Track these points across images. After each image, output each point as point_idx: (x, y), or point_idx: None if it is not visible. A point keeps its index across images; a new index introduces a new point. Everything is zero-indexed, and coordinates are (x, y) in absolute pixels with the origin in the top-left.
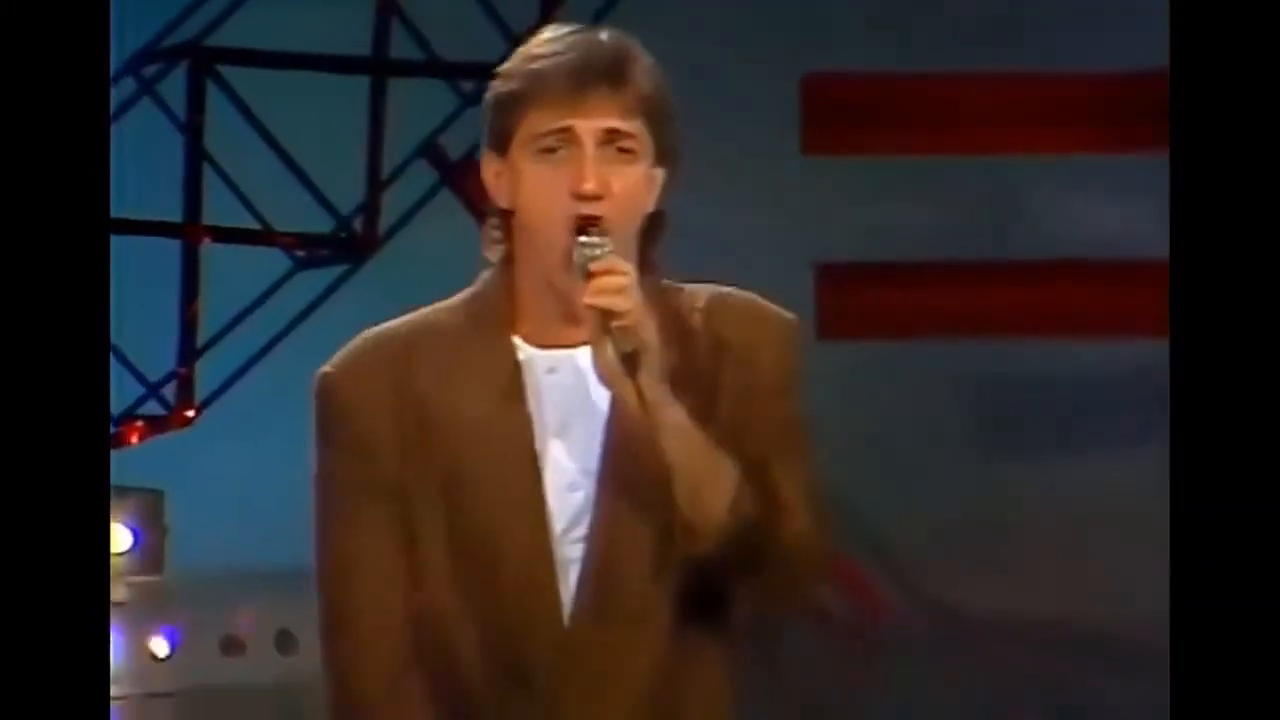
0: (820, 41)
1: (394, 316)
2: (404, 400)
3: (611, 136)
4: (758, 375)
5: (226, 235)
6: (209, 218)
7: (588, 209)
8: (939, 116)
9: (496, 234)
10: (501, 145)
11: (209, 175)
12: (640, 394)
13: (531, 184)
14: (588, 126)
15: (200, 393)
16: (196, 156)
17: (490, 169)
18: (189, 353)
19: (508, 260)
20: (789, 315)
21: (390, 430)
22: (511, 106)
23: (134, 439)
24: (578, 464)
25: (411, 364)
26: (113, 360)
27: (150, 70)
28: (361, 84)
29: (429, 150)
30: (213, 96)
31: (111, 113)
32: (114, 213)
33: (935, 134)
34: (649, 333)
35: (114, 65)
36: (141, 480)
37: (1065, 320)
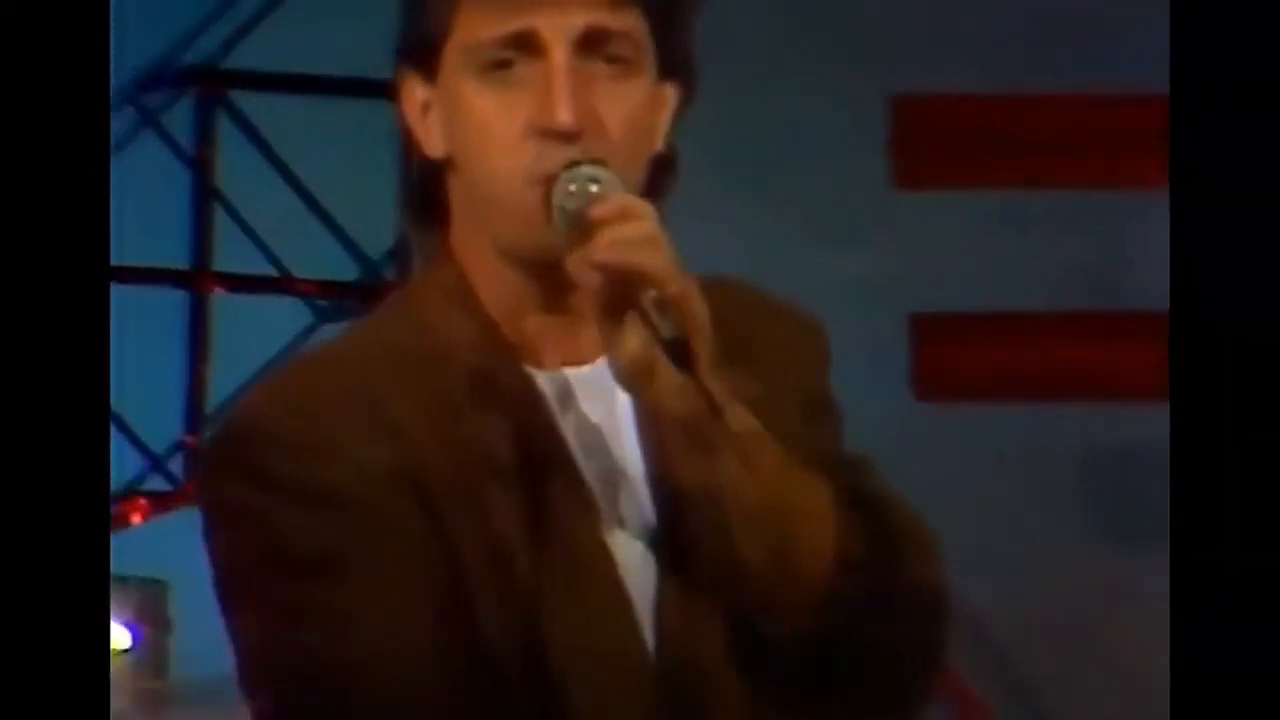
0: (912, 61)
1: None
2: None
3: (594, 40)
4: (814, 385)
5: (240, 284)
6: (220, 264)
7: (562, 153)
8: (1057, 144)
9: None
10: (427, 62)
11: (220, 216)
12: (706, 399)
13: (475, 118)
14: (557, 26)
15: None
16: (206, 195)
17: (412, 100)
18: (197, 419)
19: (445, 243)
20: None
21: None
22: (438, 2)
23: (136, 518)
24: (637, 535)
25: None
26: (112, 428)
27: (154, 98)
28: (392, 111)
29: None
30: (224, 127)
31: (111, 146)
32: (113, 259)
33: (1052, 164)
34: (699, 305)
35: (113, 92)
36: (144, 567)
37: None
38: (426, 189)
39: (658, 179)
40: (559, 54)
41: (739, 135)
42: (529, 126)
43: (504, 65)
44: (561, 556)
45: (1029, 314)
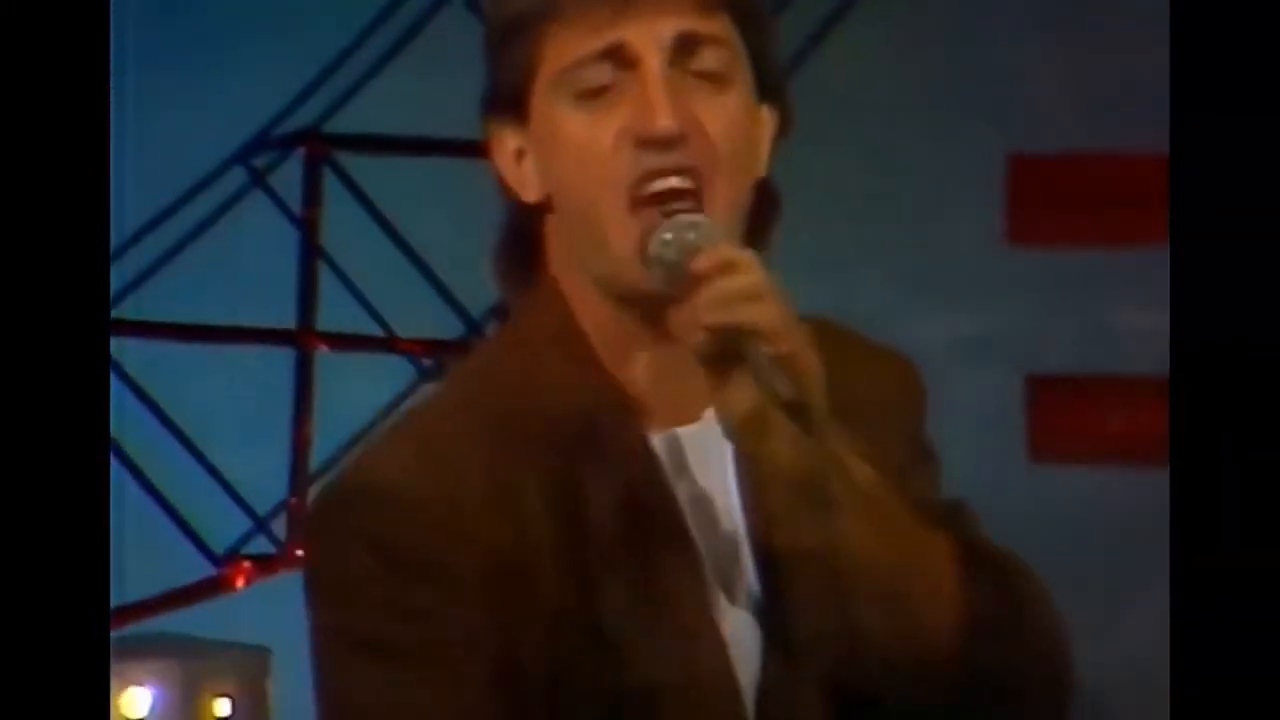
0: (1025, 120)
1: None
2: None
3: (686, 47)
4: (916, 430)
5: (344, 342)
6: (324, 323)
7: (665, 159)
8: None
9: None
10: (517, 106)
11: (325, 275)
12: (830, 456)
13: (571, 143)
14: (647, 35)
15: None
16: (311, 254)
17: (504, 149)
18: (302, 479)
19: (554, 289)
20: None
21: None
22: (523, 36)
23: (240, 582)
24: (744, 606)
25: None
26: (216, 489)
27: (263, 159)
28: None
29: None
30: (330, 187)
31: (219, 206)
32: (222, 319)
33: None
34: (812, 360)
35: (224, 154)
36: (248, 633)
37: None
38: (523, 236)
39: (762, 210)
40: (653, 62)
41: (853, 190)
42: (625, 136)
43: (598, 91)
44: (669, 637)
45: (1148, 377)
